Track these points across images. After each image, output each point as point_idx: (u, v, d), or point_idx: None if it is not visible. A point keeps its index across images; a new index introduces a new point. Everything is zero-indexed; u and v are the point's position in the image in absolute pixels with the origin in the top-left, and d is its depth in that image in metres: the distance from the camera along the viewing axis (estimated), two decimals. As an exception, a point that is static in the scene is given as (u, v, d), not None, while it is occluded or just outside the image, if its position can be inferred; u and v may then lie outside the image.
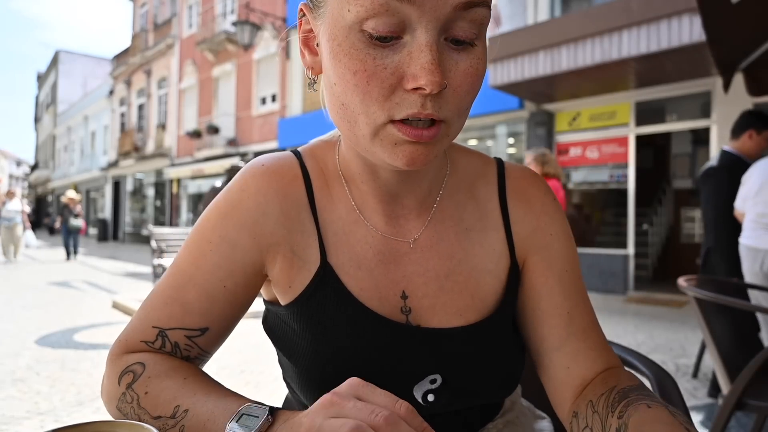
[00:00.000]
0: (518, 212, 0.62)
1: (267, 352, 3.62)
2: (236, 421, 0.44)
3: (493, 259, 0.60)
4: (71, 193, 11.57)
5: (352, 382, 0.42)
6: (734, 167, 2.69)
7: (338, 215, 0.58)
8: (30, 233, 10.75)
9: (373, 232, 0.58)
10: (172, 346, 0.56)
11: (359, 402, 0.39)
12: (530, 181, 0.64)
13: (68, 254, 11.79)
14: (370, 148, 0.48)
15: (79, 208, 11.51)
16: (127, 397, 0.51)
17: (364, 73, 0.43)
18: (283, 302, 0.58)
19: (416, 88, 0.43)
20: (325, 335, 0.55)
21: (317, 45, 0.50)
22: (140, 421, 0.48)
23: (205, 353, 0.58)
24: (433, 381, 0.55)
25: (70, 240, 11.77)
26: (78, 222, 11.51)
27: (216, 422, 0.46)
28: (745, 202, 2.51)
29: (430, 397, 0.55)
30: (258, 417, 0.43)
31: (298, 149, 0.62)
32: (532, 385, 0.79)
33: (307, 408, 0.60)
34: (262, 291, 0.62)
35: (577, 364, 0.58)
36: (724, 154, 2.79)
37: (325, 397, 0.41)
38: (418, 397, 0.55)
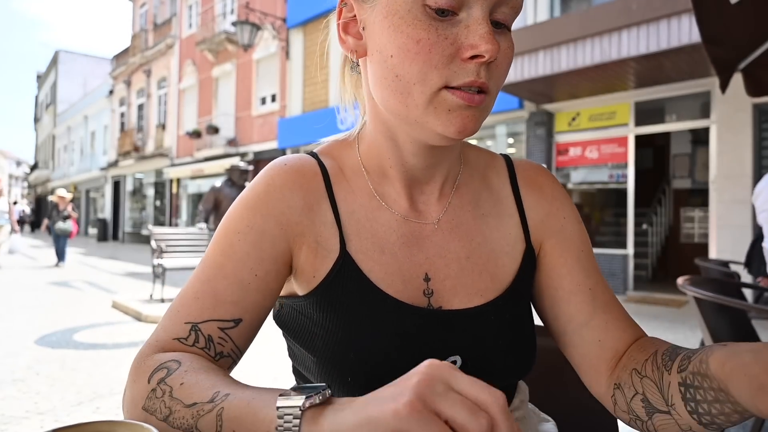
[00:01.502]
0: (531, 199, 0.66)
1: (265, 351, 3.62)
2: (289, 395, 0.39)
3: (510, 242, 0.63)
4: (61, 192, 10.09)
5: (436, 366, 0.35)
6: None
7: (359, 204, 0.61)
8: (17, 237, 8.85)
9: (396, 216, 0.61)
10: (206, 341, 0.53)
11: (455, 395, 0.33)
12: (539, 170, 0.68)
13: (60, 258, 10.33)
14: (423, 117, 0.51)
15: (70, 209, 10.01)
16: (157, 392, 0.47)
17: (428, 41, 0.48)
18: (302, 292, 0.59)
19: (473, 57, 0.48)
20: (346, 322, 0.56)
21: (363, 29, 0.54)
22: (169, 413, 0.45)
23: (238, 350, 0.55)
24: (453, 362, 0.57)
25: (62, 244, 10.28)
26: (66, 225, 9.88)
27: (263, 399, 0.41)
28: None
29: None
30: (316, 389, 0.39)
31: (314, 151, 0.66)
32: (537, 389, 0.79)
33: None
34: None
35: (609, 336, 0.60)
36: None
37: (410, 388, 0.33)
38: None
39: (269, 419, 0.39)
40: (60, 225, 9.85)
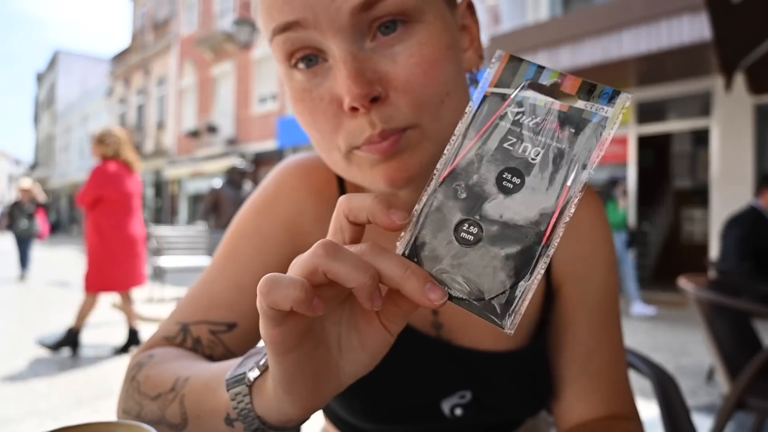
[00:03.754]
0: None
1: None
2: (235, 373, 0.38)
3: None
4: (24, 183, 7.94)
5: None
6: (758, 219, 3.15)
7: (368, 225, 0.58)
8: None
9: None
10: (194, 342, 0.51)
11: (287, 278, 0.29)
12: (583, 199, 0.57)
13: (22, 266, 8.06)
14: (354, 178, 0.46)
15: (36, 205, 7.84)
16: (129, 390, 0.46)
17: (306, 111, 0.43)
18: None
19: (352, 108, 0.39)
20: None
21: None
22: (140, 409, 0.44)
23: (232, 355, 0.52)
24: (462, 396, 0.54)
25: (24, 248, 7.98)
26: (32, 226, 7.69)
27: (218, 380, 0.39)
28: None
29: (458, 411, 0.54)
30: (256, 355, 0.38)
31: None
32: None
33: (332, 411, 0.60)
34: None
35: (581, 405, 0.56)
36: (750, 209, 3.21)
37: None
38: (446, 409, 0.54)
39: (226, 398, 0.37)
40: (23, 225, 7.66)
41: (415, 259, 0.30)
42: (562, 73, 0.30)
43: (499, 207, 0.29)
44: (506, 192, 0.30)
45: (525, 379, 0.56)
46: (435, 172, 0.31)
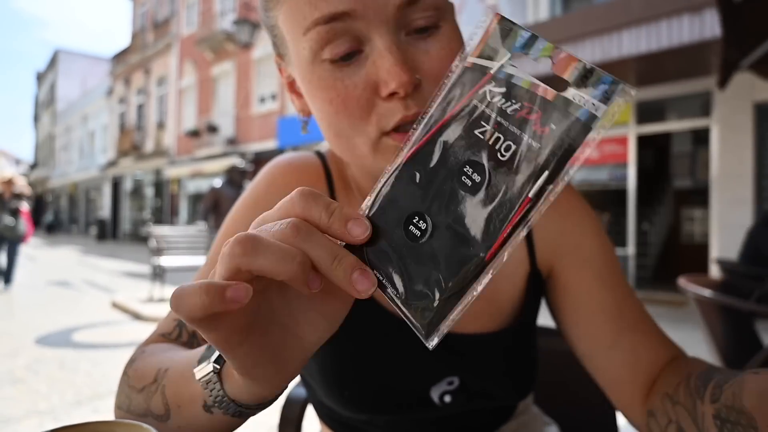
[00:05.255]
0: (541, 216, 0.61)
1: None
2: (202, 359, 0.38)
3: (512, 264, 0.59)
4: (6, 174, 6.73)
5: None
6: None
7: None
8: None
9: None
10: (189, 336, 0.52)
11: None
12: None
13: (5, 278, 6.74)
14: (375, 164, 0.47)
15: (21, 201, 6.47)
16: (122, 386, 0.47)
17: (338, 98, 0.44)
18: None
19: (391, 94, 0.42)
20: (344, 335, 0.55)
21: (299, 88, 0.51)
22: (129, 402, 0.45)
23: None
24: (450, 383, 0.56)
25: (11, 254, 6.62)
26: (17, 225, 6.38)
27: (193, 369, 0.40)
28: None
29: (447, 398, 0.56)
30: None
31: (322, 151, 0.63)
32: (540, 393, 0.79)
33: (323, 406, 0.61)
34: None
35: (638, 359, 0.54)
36: None
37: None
38: (435, 397, 0.56)
39: (200, 388, 0.38)
40: (7, 222, 6.31)
41: (368, 233, 0.28)
42: (557, 47, 0.26)
43: (452, 206, 0.27)
44: (464, 189, 0.27)
45: (509, 360, 0.58)
46: (402, 147, 0.29)
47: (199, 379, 0.37)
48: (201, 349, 0.40)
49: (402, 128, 0.44)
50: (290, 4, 0.44)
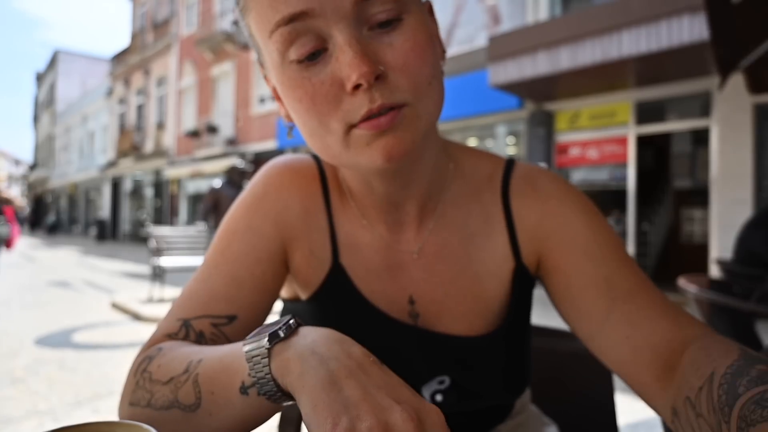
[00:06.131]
0: (521, 207, 0.59)
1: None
2: (255, 337, 0.39)
3: (497, 262, 0.59)
4: None
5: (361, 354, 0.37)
6: None
7: (348, 218, 0.60)
8: None
9: (378, 239, 0.59)
10: (197, 335, 0.52)
11: (383, 397, 0.33)
12: (539, 172, 0.61)
13: None
14: (349, 159, 0.47)
15: (9, 205, 5.90)
16: (140, 382, 0.47)
17: (306, 96, 0.45)
18: (302, 297, 0.61)
19: (356, 87, 0.43)
20: None
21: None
22: (150, 397, 0.45)
23: None
24: (441, 382, 0.57)
25: None
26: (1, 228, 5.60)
27: (233, 353, 0.41)
28: None
29: (438, 397, 0.56)
30: (280, 322, 0.39)
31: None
32: (539, 393, 0.79)
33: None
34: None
35: (635, 329, 0.50)
36: None
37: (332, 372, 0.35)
38: (426, 396, 0.56)
39: (242, 368, 0.39)
40: None
41: None
42: None
43: None
44: None
45: (499, 361, 0.58)
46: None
47: (248, 352, 0.38)
48: (241, 342, 0.42)
49: (369, 118, 0.44)
50: (257, 9, 0.45)
